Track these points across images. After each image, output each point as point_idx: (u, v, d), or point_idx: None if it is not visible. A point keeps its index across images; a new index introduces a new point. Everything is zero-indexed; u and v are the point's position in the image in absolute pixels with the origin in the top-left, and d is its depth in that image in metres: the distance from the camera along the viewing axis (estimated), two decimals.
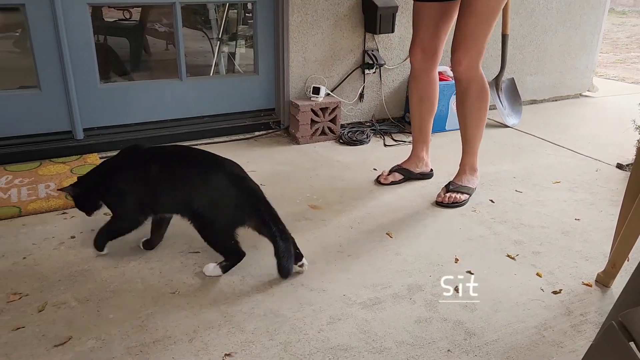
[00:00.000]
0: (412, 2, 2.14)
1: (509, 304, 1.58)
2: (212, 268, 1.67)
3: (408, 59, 3.06)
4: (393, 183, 2.35)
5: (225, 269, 1.69)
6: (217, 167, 1.64)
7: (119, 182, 1.67)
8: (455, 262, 1.79)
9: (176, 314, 1.49)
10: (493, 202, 2.23)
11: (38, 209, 2.02)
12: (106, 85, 2.65)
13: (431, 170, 2.45)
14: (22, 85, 3.31)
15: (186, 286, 1.62)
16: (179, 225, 1.94)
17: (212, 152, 1.69)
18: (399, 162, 2.42)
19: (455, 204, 2.18)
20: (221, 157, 1.68)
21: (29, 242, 1.82)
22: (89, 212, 1.74)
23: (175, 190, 1.63)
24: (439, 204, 2.19)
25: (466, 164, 2.27)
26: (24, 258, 1.73)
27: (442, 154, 2.73)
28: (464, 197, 2.20)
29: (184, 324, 1.46)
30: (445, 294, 1.62)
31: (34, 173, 2.31)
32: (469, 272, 1.74)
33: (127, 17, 5.08)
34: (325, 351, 1.37)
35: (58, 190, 1.76)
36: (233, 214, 1.62)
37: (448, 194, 2.20)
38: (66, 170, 2.34)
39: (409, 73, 3.09)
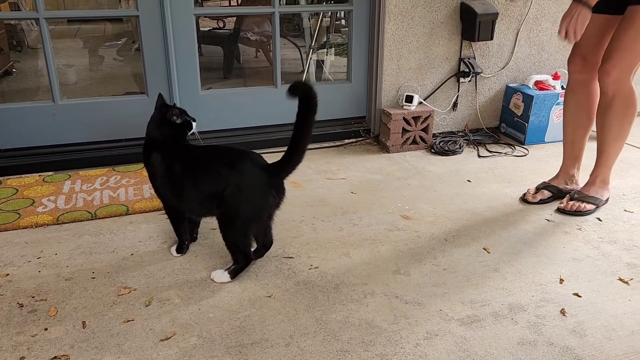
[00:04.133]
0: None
1: (624, 333, 1.46)
2: (220, 274, 1.68)
3: (506, 67, 2.96)
4: (542, 201, 2.23)
5: (234, 273, 1.68)
6: (241, 155, 1.64)
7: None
8: (560, 283, 1.68)
9: (272, 318, 1.52)
10: (600, 220, 2.08)
11: (143, 208, 2.14)
12: (206, 92, 2.77)
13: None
14: (128, 92, 3.55)
15: (281, 291, 1.64)
16: (272, 229, 1.98)
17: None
18: (546, 179, 2.31)
19: (578, 213, 2.11)
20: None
21: (136, 240, 1.93)
22: None
23: (200, 182, 1.65)
24: (561, 211, 2.14)
25: (597, 176, 2.16)
26: (132, 254, 1.83)
27: (541, 166, 2.60)
28: (589, 207, 2.12)
29: (280, 328, 1.48)
30: (550, 316, 1.53)
31: (139, 174, 2.46)
32: (576, 294, 1.63)
33: (221, 26, 5.31)
34: None
35: None
36: (261, 202, 1.62)
37: (572, 202, 2.13)
38: None
39: (506, 82, 3.00)
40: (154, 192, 2.25)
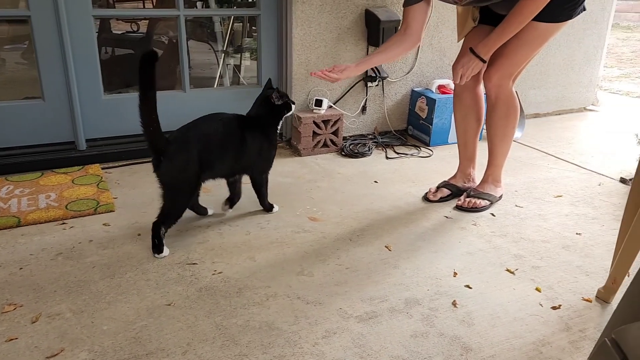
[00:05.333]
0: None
1: (507, 319, 1.55)
2: None
3: (411, 72, 3.08)
4: (442, 199, 2.33)
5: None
6: None
7: None
8: (454, 276, 1.77)
9: (171, 326, 1.48)
10: (494, 215, 2.21)
11: (37, 219, 2.02)
12: (110, 96, 2.67)
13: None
14: (28, 96, 3.35)
15: (182, 298, 1.61)
16: (177, 236, 1.95)
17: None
18: (446, 178, 2.41)
19: (474, 209, 2.23)
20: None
21: (27, 253, 1.82)
22: None
23: None
24: (459, 207, 2.25)
25: (489, 175, 2.30)
26: (21, 269, 1.73)
27: (444, 166, 2.72)
28: (484, 202, 2.24)
29: (178, 336, 1.45)
30: (442, 308, 1.60)
31: (35, 183, 2.32)
32: (467, 286, 1.72)
33: (135, 29, 5.14)
34: None
35: None
36: None
37: (468, 199, 2.25)
38: (67, 181, 2.35)
39: (411, 86, 3.12)
40: (50, 202, 2.15)
